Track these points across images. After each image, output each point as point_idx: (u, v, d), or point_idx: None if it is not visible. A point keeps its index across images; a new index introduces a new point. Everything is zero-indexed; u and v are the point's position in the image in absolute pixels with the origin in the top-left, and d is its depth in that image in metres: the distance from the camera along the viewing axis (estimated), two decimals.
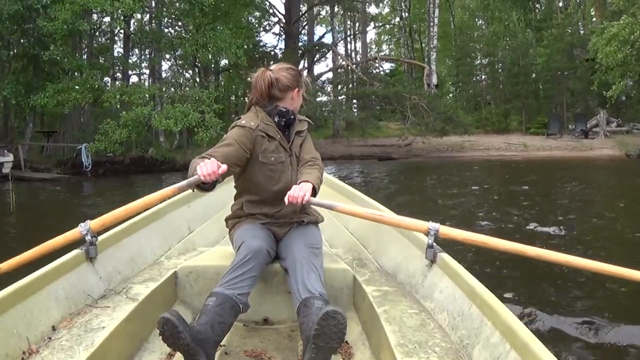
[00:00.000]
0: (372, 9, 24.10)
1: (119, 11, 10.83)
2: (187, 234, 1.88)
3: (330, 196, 1.93)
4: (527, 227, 4.07)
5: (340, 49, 21.73)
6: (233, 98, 19.82)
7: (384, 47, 28.19)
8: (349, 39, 23.99)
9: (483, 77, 21.18)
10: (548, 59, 17.15)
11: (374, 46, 27.82)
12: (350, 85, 19.25)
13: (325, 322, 1.06)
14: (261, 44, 18.74)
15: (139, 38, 13.60)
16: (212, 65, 14.69)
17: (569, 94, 17.85)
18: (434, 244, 1.35)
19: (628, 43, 11.82)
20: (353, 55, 23.25)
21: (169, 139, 14.04)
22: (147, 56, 14.58)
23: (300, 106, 1.52)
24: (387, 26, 26.16)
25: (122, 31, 13.23)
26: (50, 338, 1.05)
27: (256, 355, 1.27)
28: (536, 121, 17.70)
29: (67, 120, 12.59)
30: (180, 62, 15.72)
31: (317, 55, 20.18)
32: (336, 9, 20.97)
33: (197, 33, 12.05)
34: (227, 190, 1.73)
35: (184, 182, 1.30)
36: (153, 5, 13.00)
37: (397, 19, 23.33)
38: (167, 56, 15.26)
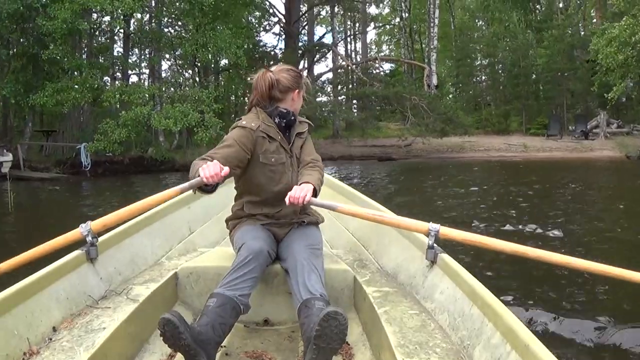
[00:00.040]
0: (372, 9, 24.15)
1: (119, 10, 10.82)
2: (187, 234, 1.88)
3: (330, 197, 1.94)
4: (527, 228, 4.07)
5: (340, 49, 21.77)
6: (233, 98, 19.81)
7: (384, 47, 28.24)
8: (349, 39, 24.04)
9: (483, 78, 21.21)
10: (548, 60, 17.16)
11: (374, 46, 27.88)
12: (350, 86, 19.26)
13: (326, 322, 1.07)
14: (261, 43, 18.76)
15: (138, 38, 13.59)
16: (212, 65, 14.68)
17: (569, 95, 17.87)
18: (435, 244, 1.36)
19: (629, 45, 11.82)
20: (353, 55, 23.28)
21: (169, 139, 14.04)
22: (147, 56, 14.57)
23: (300, 107, 1.53)
24: (387, 26, 26.18)
25: (121, 31, 13.22)
26: (50, 339, 1.05)
27: (257, 356, 1.27)
28: (536, 122, 17.72)
29: (67, 120, 12.58)
30: (180, 61, 15.72)
31: (317, 56, 20.19)
32: (336, 9, 20.98)
33: (197, 33, 12.05)
34: (227, 191, 1.73)
35: (186, 184, 1.30)
36: (153, 4, 13.00)
37: (397, 19, 23.35)
38: (167, 56, 15.27)
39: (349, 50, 23.48)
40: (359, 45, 24.74)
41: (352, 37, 24.18)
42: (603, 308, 2.23)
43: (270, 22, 19.63)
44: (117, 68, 13.68)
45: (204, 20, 12.13)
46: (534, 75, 18.82)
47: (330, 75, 19.47)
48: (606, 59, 12.26)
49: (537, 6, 20.51)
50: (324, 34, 23.47)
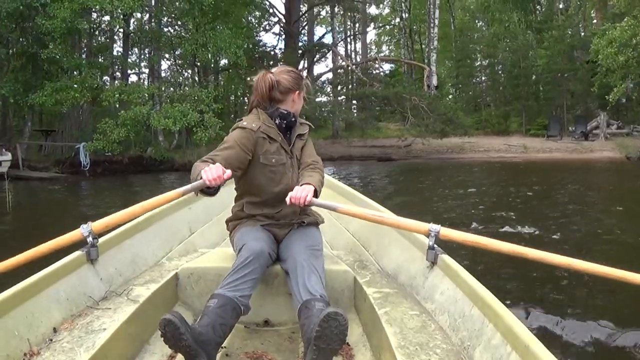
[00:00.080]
0: (373, 10, 24.17)
1: (119, 10, 10.82)
2: (187, 235, 1.88)
3: (330, 198, 1.94)
4: (527, 230, 4.07)
5: (340, 49, 21.79)
6: (232, 98, 19.81)
7: (384, 47, 28.26)
8: (349, 39, 24.06)
9: (483, 78, 21.22)
10: (548, 61, 17.18)
11: (373, 47, 27.90)
12: (350, 86, 19.26)
13: (326, 323, 1.07)
14: (261, 43, 18.75)
15: (138, 37, 13.58)
16: (212, 65, 14.67)
17: (569, 95, 17.89)
18: (435, 245, 1.36)
19: (630, 46, 11.81)
20: (353, 55, 23.30)
21: (168, 139, 14.03)
22: (147, 55, 14.57)
23: (301, 109, 1.53)
24: (387, 27, 26.20)
25: (121, 30, 13.21)
26: (51, 340, 1.05)
27: (257, 357, 1.27)
28: (536, 123, 17.74)
29: (66, 119, 12.56)
30: (179, 61, 15.72)
31: (317, 56, 20.20)
32: (336, 9, 20.99)
33: (197, 32, 12.04)
34: (227, 192, 1.73)
35: (189, 186, 1.30)
36: (152, 4, 12.99)
37: (397, 19, 23.38)
38: (167, 55, 15.27)
39: (348, 51, 23.53)
40: (358, 45, 24.79)
41: (352, 37, 24.21)
42: (603, 309, 2.24)
43: (270, 22, 19.66)
44: (117, 67, 13.67)
45: (203, 20, 12.12)
46: (534, 76, 18.85)
47: (330, 75, 19.49)
48: (606, 59, 12.25)
49: (538, 7, 20.53)
50: (324, 34, 23.53)
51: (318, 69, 24.61)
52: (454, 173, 10.53)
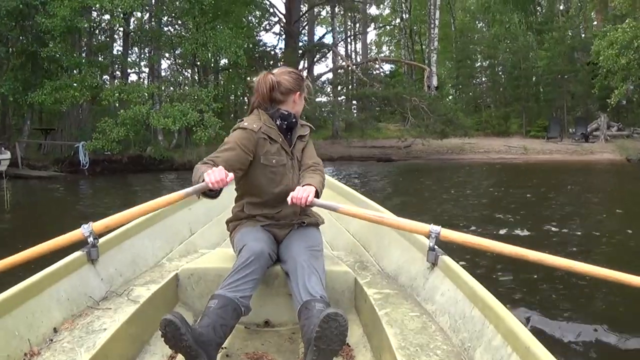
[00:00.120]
0: (373, 10, 24.16)
1: (119, 9, 10.81)
2: (188, 236, 1.88)
3: (331, 198, 1.94)
4: (527, 231, 4.07)
5: (341, 49, 21.78)
6: (232, 97, 19.79)
7: (384, 48, 28.27)
8: (349, 39, 24.05)
9: (483, 79, 21.22)
10: (549, 62, 17.18)
11: (374, 47, 27.90)
12: (350, 86, 19.26)
13: (326, 324, 1.07)
14: (261, 43, 18.74)
15: (138, 36, 13.57)
16: (212, 65, 14.66)
17: (569, 97, 17.89)
18: (436, 246, 1.36)
19: (631, 48, 11.80)
20: (353, 56, 23.30)
21: (168, 138, 14.02)
22: (147, 54, 14.56)
23: (302, 110, 1.54)
24: (388, 27, 26.20)
25: (121, 29, 13.20)
26: (51, 340, 1.05)
27: (257, 358, 1.27)
28: (536, 124, 17.75)
29: (65, 118, 12.55)
30: (179, 60, 15.71)
31: (317, 56, 20.19)
32: (337, 9, 20.99)
33: (197, 32, 12.03)
34: (228, 193, 1.73)
35: (191, 189, 1.30)
36: (153, 3, 12.97)
37: (398, 20, 23.39)
38: (167, 55, 15.25)
39: (349, 51, 23.52)
40: (359, 45, 24.80)
41: (352, 37, 24.20)
42: (603, 311, 2.24)
43: (270, 21, 19.65)
44: (117, 66, 13.66)
45: (203, 20, 12.12)
46: (535, 78, 18.85)
47: (330, 75, 19.49)
48: (607, 61, 12.25)
49: (538, 8, 20.54)
50: (324, 34, 23.47)
51: (318, 69, 24.67)
52: (453, 174, 10.53)
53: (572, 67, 17.37)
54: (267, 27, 19.75)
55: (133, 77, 14.96)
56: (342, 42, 23.11)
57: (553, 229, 4.11)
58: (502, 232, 4.02)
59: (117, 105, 12.00)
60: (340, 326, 1.07)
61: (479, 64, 21.23)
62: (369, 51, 25.49)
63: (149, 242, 1.62)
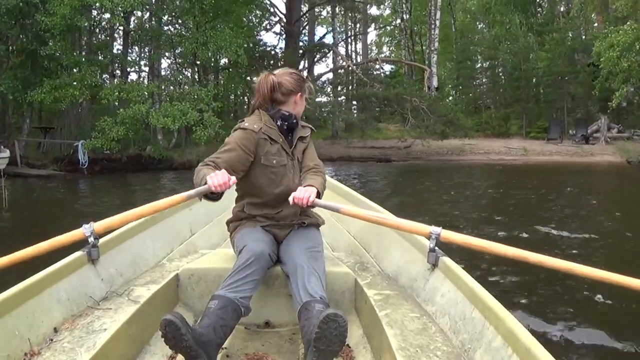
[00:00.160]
0: (373, 10, 24.18)
1: (119, 8, 10.79)
2: (188, 236, 1.89)
3: (331, 199, 1.94)
4: (527, 233, 4.08)
5: (341, 49, 21.79)
6: (232, 97, 19.77)
7: (385, 48, 28.27)
8: (349, 39, 24.05)
9: (484, 80, 21.21)
10: (549, 64, 17.18)
11: (374, 47, 27.91)
12: (350, 87, 19.27)
13: (326, 325, 1.07)
14: (261, 43, 18.74)
15: (138, 35, 13.55)
16: (212, 64, 14.65)
17: (569, 98, 17.89)
18: (436, 247, 1.36)
19: (633, 51, 11.78)
20: (353, 56, 23.32)
21: (167, 137, 14.00)
22: (147, 54, 14.54)
23: (303, 111, 1.54)
24: (388, 28, 26.21)
25: (121, 28, 13.18)
26: (51, 340, 1.05)
27: (258, 358, 1.27)
28: (536, 126, 17.75)
29: (65, 117, 12.53)
30: (179, 60, 15.68)
31: (318, 56, 20.19)
32: (337, 9, 20.99)
33: (197, 31, 12.02)
34: (228, 193, 1.73)
35: (193, 191, 1.30)
36: (153, 2, 12.96)
37: (398, 20, 23.37)
38: (167, 54, 15.23)
39: (349, 51, 23.54)
40: (359, 46, 24.82)
41: (352, 37, 24.21)
42: (604, 313, 2.24)
43: (270, 21, 19.64)
44: (117, 65, 13.64)
45: (204, 19, 12.11)
46: (535, 79, 18.84)
47: (330, 75, 19.50)
48: (608, 62, 12.23)
49: (539, 9, 20.55)
50: (325, 34, 23.47)
51: (318, 69, 24.60)
52: (453, 175, 10.53)
53: (573, 68, 17.38)
54: (268, 27, 19.77)
55: (133, 76, 14.95)
56: (342, 42, 23.15)
57: (553, 230, 4.11)
58: (501, 233, 4.02)
59: (116, 104, 11.98)
60: (340, 327, 1.07)
61: (479, 65, 21.23)
62: (369, 51, 25.53)
63: (149, 242, 1.62)
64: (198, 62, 14.27)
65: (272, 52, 18.68)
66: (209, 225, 2.01)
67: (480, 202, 6.58)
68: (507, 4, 19.42)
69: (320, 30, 23.91)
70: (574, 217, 5.10)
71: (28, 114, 12.71)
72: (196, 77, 15.47)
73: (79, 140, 10.90)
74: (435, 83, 17.33)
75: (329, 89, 18.95)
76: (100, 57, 12.78)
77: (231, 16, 13.22)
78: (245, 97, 18.91)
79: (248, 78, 16.36)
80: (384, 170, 12.34)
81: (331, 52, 20.04)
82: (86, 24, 11.14)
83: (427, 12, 19.44)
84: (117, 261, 1.42)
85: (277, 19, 19.50)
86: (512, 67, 18.64)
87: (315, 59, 20.24)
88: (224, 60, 15.50)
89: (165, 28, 13.72)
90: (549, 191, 7.48)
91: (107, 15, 12.11)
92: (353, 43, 24.51)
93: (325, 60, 21.88)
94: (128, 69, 14.00)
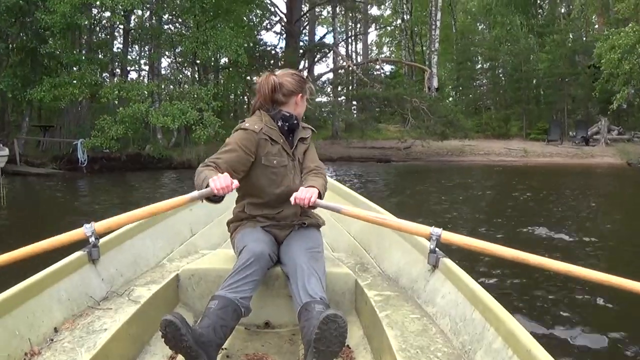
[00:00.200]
0: (374, 11, 24.18)
1: (119, 6, 10.78)
2: (189, 236, 1.89)
3: (332, 200, 1.94)
4: (527, 234, 4.08)
5: (341, 49, 21.78)
6: (232, 97, 19.76)
7: (385, 49, 28.28)
8: (350, 40, 24.05)
9: (484, 81, 21.22)
10: (550, 65, 17.18)
11: (374, 48, 27.92)
12: (351, 87, 19.27)
13: (325, 325, 1.07)
14: (262, 42, 18.73)
15: (138, 34, 13.54)
16: (212, 63, 14.65)
17: (570, 100, 17.89)
18: (436, 249, 1.36)
19: (635, 53, 11.78)
20: (354, 56, 23.32)
21: (167, 137, 13.99)
22: (147, 52, 14.52)
23: (304, 112, 1.54)
24: (389, 28, 26.22)
25: (121, 27, 13.17)
26: (52, 340, 1.05)
27: (258, 359, 1.27)
28: (537, 127, 17.75)
29: (64, 115, 12.53)
30: (179, 59, 15.67)
31: (318, 56, 20.19)
32: (338, 9, 20.98)
33: (198, 30, 12.01)
34: (229, 194, 1.74)
35: (196, 194, 1.31)
36: (153, 1, 12.95)
37: (399, 21, 23.37)
38: (167, 53, 15.22)
39: (349, 51, 23.54)
40: (359, 46, 24.83)
41: (353, 37, 24.21)
42: (603, 316, 2.25)
43: (271, 21, 19.63)
44: (116, 64, 13.63)
45: (204, 18, 12.10)
46: (535, 80, 18.85)
47: (330, 75, 19.50)
48: (608, 64, 12.23)
49: (540, 11, 20.56)
50: (325, 34, 23.46)
51: (319, 69, 24.66)
52: (453, 176, 10.53)
53: (573, 70, 17.38)
54: (268, 27, 19.76)
55: (133, 75, 14.96)
56: (342, 43, 23.13)
57: (553, 232, 4.11)
58: (501, 235, 4.02)
59: (116, 103, 11.96)
60: (340, 327, 1.07)
61: (479, 65, 21.24)
62: (369, 52, 25.55)
63: (150, 243, 1.62)
64: (198, 62, 14.25)
65: (273, 52, 18.68)
66: (209, 225, 2.01)
67: (480, 203, 6.58)
68: (507, 5, 19.42)
69: (320, 30, 23.93)
70: (574, 218, 5.10)
71: (27, 112, 12.69)
72: (196, 76, 15.46)
73: (78, 139, 10.89)
74: (435, 84, 17.33)
75: (329, 89, 18.96)
76: (100, 56, 12.76)
77: (232, 15, 13.21)
78: (245, 97, 18.89)
79: (248, 78, 16.36)
80: (383, 170, 12.34)
81: (331, 52, 20.04)
82: (86, 22, 11.13)
83: (428, 13, 19.45)
84: (117, 261, 1.42)
85: (277, 18, 19.52)
86: (513, 68, 18.64)
87: (316, 59, 20.24)
88: (224, 60, 15.48)
89: (166, 27, 13.71)
90: (549, 193, 7.48)
91: (108, 14, 12.10)
92: (353, 43, 24.55)
93: (326, 60, 21.92)
94: (128, 68, 13.99)
